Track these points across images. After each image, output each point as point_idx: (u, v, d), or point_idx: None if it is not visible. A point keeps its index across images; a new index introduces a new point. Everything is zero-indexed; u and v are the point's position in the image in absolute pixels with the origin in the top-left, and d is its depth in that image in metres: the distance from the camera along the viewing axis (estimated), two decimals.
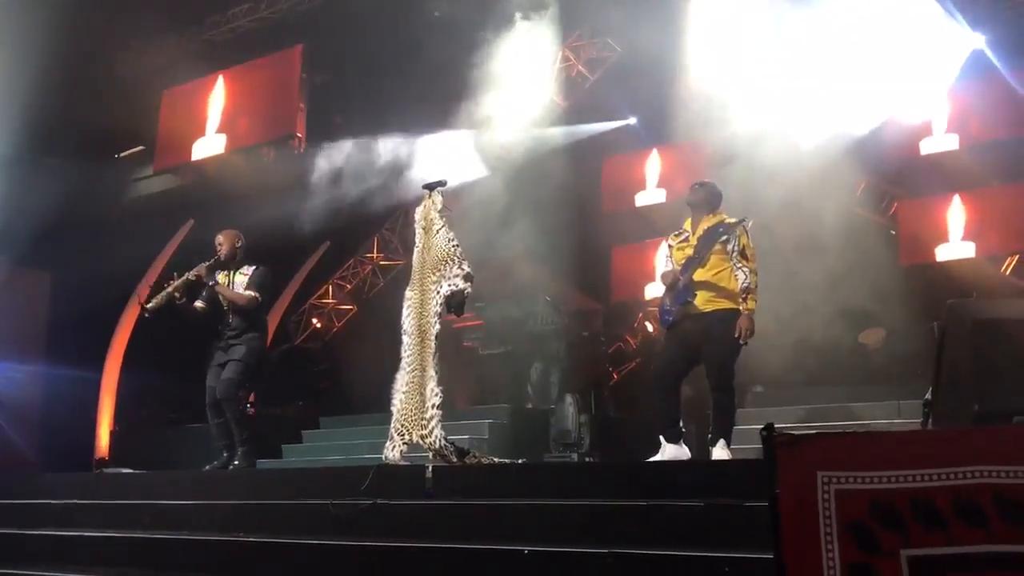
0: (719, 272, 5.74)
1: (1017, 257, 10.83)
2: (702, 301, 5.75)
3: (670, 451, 5.74)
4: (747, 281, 5.63)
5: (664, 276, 6.07)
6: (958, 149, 10.63)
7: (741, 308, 5.63)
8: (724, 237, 5.73)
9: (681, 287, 5.82)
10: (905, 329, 9.36)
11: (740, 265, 5.68)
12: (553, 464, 7.97)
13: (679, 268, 5.92)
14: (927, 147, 10.79)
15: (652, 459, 5.74)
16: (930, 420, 4.19)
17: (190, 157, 11.91)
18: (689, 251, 5.87)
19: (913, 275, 10.60)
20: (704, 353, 5.76)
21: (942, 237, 10.83)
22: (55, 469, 9.71)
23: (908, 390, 7.88)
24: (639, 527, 4.38)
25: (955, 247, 10.74)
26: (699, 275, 5.74)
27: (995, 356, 3.74)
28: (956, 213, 10.77)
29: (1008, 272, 10.84)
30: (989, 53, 9.82)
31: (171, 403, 11.51)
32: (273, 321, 13.33)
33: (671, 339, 5.96)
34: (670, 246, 6.11)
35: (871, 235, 10.48)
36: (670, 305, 5.94)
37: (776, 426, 2.06)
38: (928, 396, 4.24)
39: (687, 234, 5.98)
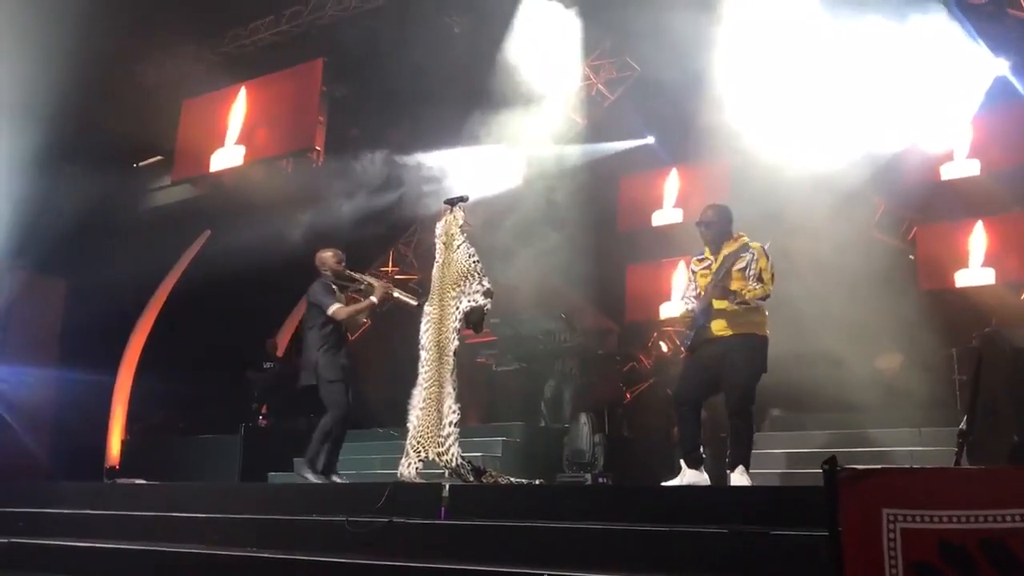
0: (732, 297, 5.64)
1: None
2: (719, 326, 5.65)
3: (690, 476, 5.62)
4: (753, 293, 5.54)
5: (683, 316, 5.98)
6: (979, 175, 10.51)
7: (734, 300, 5.54)
8: (743, 263, 5.63)
9: (699, 311, 5.72)
10: (922, 354, 9.23)
11: (754, 286, 5.59)
12: (572, 485, 7.85)
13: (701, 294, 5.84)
14: (948, 172, 10.68)
15: (669, 483, 5.62)
16: (964, 450, 4.06)
17: (208, 168, 11.87)
18: (709, 277, 5.77)
19: (931, 300, 10.46)
20: (723, 378, 5.65)
21: (961, 263, 10.70)
22: (66, 476, 9.64)
23: (927, 416, 7.75)
24: (662, 553, 4.27)
25: (975, 273, 10.60)
26: (718, 302, 5.63)
27: None
28: (976, 239, 10.64)
29: None
30: (1012, 79, 9.73)
31: (184, 413, 11.43)
32: (287, 333, 13.28)
33: (691, 363, 5.86)
34: (693, 272, 6.00)
35: (889, 259, 10.36)
36: (689, 328, 5.85)
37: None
38: (963, 426, 4.12)
39: (710, 261, 5.88)
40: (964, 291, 10.64)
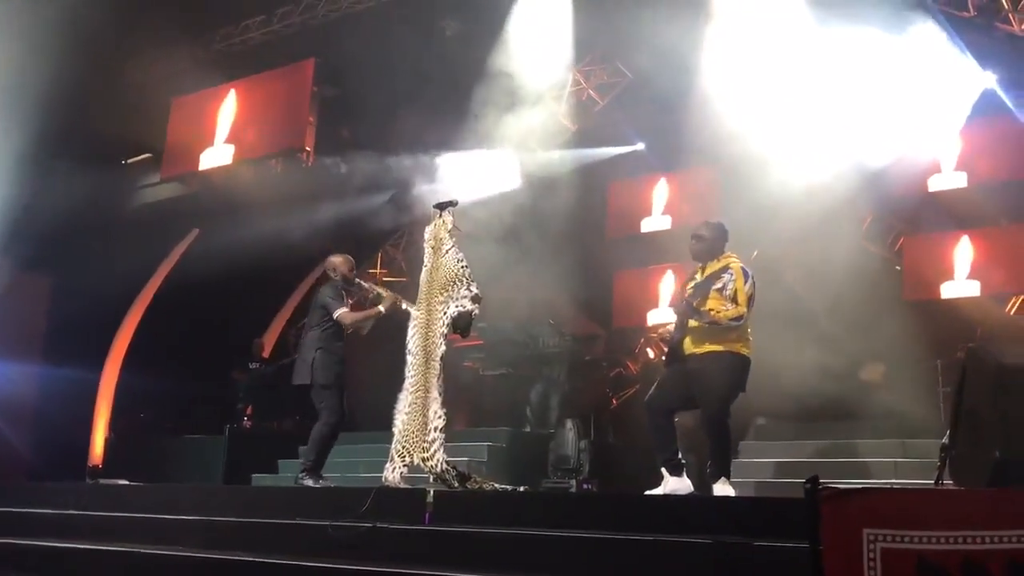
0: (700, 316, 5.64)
1: (1022, 298, 10.74)
2: (689, 343, 5.64)
3: (672, 483, 5.61)
4: (724, 315, 5.52)
5: (662, 332, 6.09)
6: (966, 187, 10.57)
7: (703, 320, 5.56)
8: (721, 283, 5.63)
9: (675, 328, 5.74)
10: (907, 365, 9.27)
11: (728, 306, 5.57)
12: (557, 492, 7.86)
13: None
14: (935, 184, 10.72)
15: (653, 492, 5.61)
16: (947, 464, 4.08)
17: (197, 166, 11.83)
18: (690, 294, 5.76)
19: (916, 311, 10.49)
20: (695, 395, 5.64)
21: (947, 274, 10.74)
22: (48, 474, 9.59)
23: (911, 428, 7.79)
24: (645, 561, 4.28)
25: (960, 285, 10.64)
26: (691, 321, 5.63)
27: (1018, 403, 3.65)
28: (962, 251, 10.68)
29: (1012, 312, 10.75)
30: (1000, 92, 9.79)
31: (169, 412, 11.39)
32: (273, 334, 13.25)
33: (664, 376, 5.87)
34: (685, 288, 5.94)
35: (876, 269, 10.40)
36: (666, 344, 5.95)
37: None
38: (945, 440, 4.14)
39: (695, 280, 5.86)
40: (949, 303, 10.68)
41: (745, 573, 3.92)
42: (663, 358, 6.07)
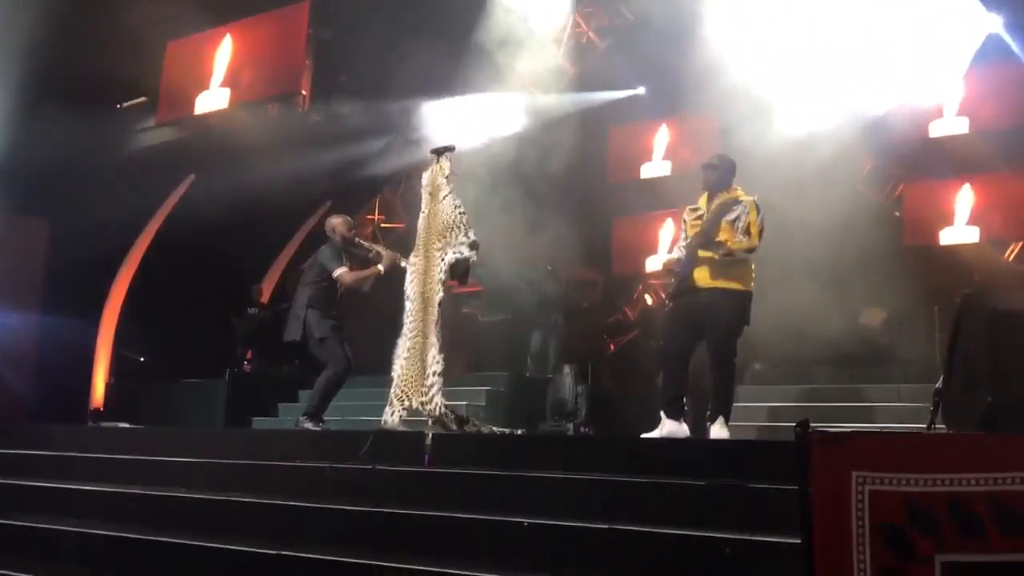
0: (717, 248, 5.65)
1: (1021, 244, 10.75)
2: (702, 277, 5.66)
3: (669, 427, 5.67)
4: (739, 246, 5.56)
5: (667, 263, 6.07)
6: (968, 133, 10.50)
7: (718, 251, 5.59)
8: (733, 215, 5.64)
9: (685, 260, 5.74)
10: (905, 311, 9.32)
11: (741, 238, 5.61)
12: (554, 435, 7.95)
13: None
14: (936, 130, 10.66)
15: (649, 435, 5.68)
16: (940, 410, 4.13)
17: (193, 110, 11.71)
18: (699, 227, 5.78)
19: (915, 257, 10.52)
20: (706, 329, 5.68)
21: (947, 220, 10.74)
22: (50, 418, 9.67)
23: (908, 373, 7.86)
24: (639, 503, 4.35)
25: (959, 231, 10.65)
26: (704, 251, 5.65)
27: (1011, 348, 3.68)
28: (963, 197, 10.66)
29: (1011, 258, 10.77)
30: (1006, 36, 9.67)
31: (168, 357, 11.46)
32: (272, 279, 13.27)
33: (674, 314, 5.90)
34: (685, 221, 6.01)
35: (875, 215, 10.38)
36: (673, 277, 5.91)
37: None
38: (939, 385, 4.18)
39: (701, 211, 5.87)
40: (948, 249, 10.70)
41: (738, 515, 3.98)
42: (666, 298, 6.10)
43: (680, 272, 5.76)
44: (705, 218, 5.78)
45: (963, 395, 3.94)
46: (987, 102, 10.39)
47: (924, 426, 4.40)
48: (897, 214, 11.26)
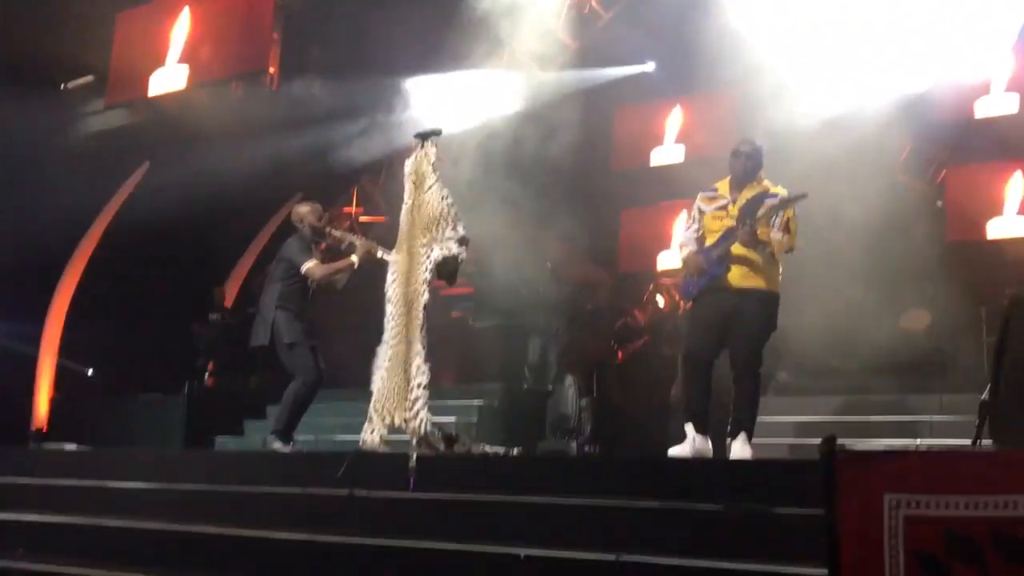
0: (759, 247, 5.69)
1: None
2: (736, 276, 5.69)
3: (699, 443, 5.68)
4: (780, 245, 5.63)
5: (688, 260, 5.96)
6: (1018, 112, 10.53)
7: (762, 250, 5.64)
8: (767, 210, 5.66)
9: (715, 258, 5.73)
10: (949, 313, 9.34)
11: (779, 236, 5.65)
12: (554, 455, 7.96)
13: (713, 240, 5.81)
14: (983, 109, 10.69)
15: (677, 452, 5.66)
16: (986, 423, 4.15)
17: (147, 91, 11.71)
18: (729, 222, 5.76)
19: (960, 252, 10.56)
20: (733, 333, 5.69)
21: (995, 211, 10.77)
22: None
23: (951, 382, 7.88)
24: (651, 531, 4.36)
25: (1009, 223, 10.68)
26: (737, 248, 5.67)
27: None
28: (1014, 184, 10.69)
29: None
30: None
31: (120, 369, 11.45)
32: (237, 281, 13.27)
33: (698, 316, 5.89)
34: (702, 211, 5.97)
35: (915, 206, 10.39)
36: (698, 277, 5.85)
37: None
38: (985, 396, 4.19)
39: (725, 201, 5.85)
40: (997, 243, 10.73)
41: (762, 543, 3.99)
42: (681, 300, 6.10)
43: (711, 272, 5.75)
44: (731, 210, 5.76)
45: (1013, 407, 3.96)
46: None
47: (968, 442, 4.42)
48: (939, 204, 11.28)
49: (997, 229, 10.74)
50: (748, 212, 5.70)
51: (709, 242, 5.86)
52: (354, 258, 6.70)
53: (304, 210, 7.01)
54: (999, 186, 10.80)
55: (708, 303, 5.79)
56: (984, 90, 10.62)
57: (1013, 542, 1.75)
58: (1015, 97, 10.53)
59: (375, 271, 6.39)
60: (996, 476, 1.79)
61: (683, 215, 12.14)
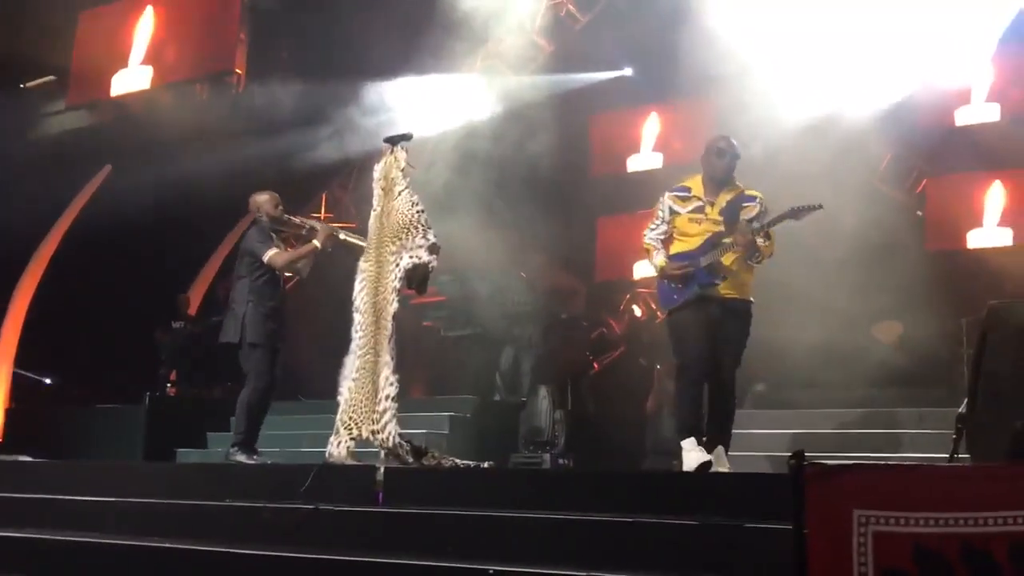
0: (739, 256, 5.64)
1: None
2: (726, 287, 5.66)
3: (704, 456, 5.62)
4: (766, 250, 5.58)
5: (668, 267, 5.72)
6: (999, 121, 10.66)
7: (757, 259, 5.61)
8: (750, 215, 5.64)
9: (705, 267, 5.62)
10: (928, 325, 9.41)
11: (763, 242, 5.61)
12: (525, 469, 7.95)
13: (691, 245, 5.71)
14: (963, 117, 10.82)
15: (691, 465, 5.59)
16: (963, 437, 4.19)
17: (109, 92, 11.67)
18: (710, 225, 5.66)
19: (939, 263, 10.66)
20: (720, 345, 5.63)
21: (975, 221, 10.89)
22: None
23: (930, 395, 7.93)
24: (623, 546, 4.37)
25: (989, 233, 10.81)
26: (727, 258, 5.64)
27: None
28: (993, 194, 10.82)
29: None
30: None
31: (79, 378, 11.36)
32: (201, 288, 13.19)
33: (690, 328, 5.65)
34: (674, 212, 5.78)
35: (894, 215, 10.49)
36: (684, 286, 5.68)
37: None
38: (962, 409, 4.24)
39: (701, 203, 5.72)
40: (976, 253, 10.84)
41: (735, 558, 4.01)
42: (664, 308, 5.90)
43: (702, 281, 5.63)
44: (715, 213, 5.66)
45: (990, 420, 4.00)
46: (1019, 86, 10.58)
47: (946, 456, 4.47)
48: (919, 213, 11.40)
49: (977, 239, 10.86)
50: (731, 216, 5.63)
51: (685, 247, 5.73)
52: (316, 242, 6.69)
53: (262, 199, 6.96)
54: (979, 196, 10.93)
55: (697, 313, 5.63)
56: (965, 99, 10.75)
57: (982, 558, 1.77)
58: (996, 107, 10.66)
59: (345, 281, 6.36)
60: (966, 491, 1.82)
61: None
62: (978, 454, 4.10)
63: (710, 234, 5.67)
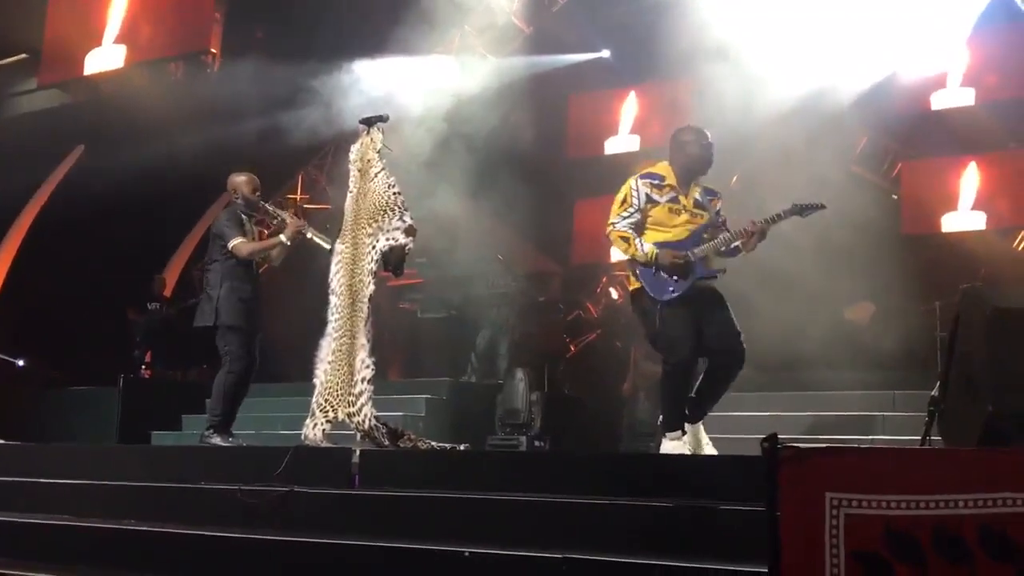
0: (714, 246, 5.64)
1: None
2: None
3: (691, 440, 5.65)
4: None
5: (665, 257, 5.51)
6: (973, 105, 10.72)
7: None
8: (718, 207, 5.67)
9: (699, 259, 5.54)
10: (903, 307, 9.47)
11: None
12: (501, 451, 7.97)
13: (684, 237, 5.59)
14: (939, 101, 10.87)
15: (674, 448, 5.60)
16: (936, 420, 4.23)
17: (82, 70, 11.57)
18: (688, 217, 5.60)
19: (915, 246, 10.73)
20: (716, 326, 5.56)
21: (950, 205, 10.96)
22: None
23: (904, 378, 7.99)
24: (599, 528, 4.38)
25: (964, 217, 10.89)
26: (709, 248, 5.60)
27: (1016, 351, 3.77)
28: (968, 178, 10.89)
29: (1021, 248, 11.02)
30: None
31: (52, 360, 11.28)
32: (176, 268, 13.12)
33: (682, 322, 5.52)
34: (651, 200, 5.61)
35: (869, 199, 10.52)
36: (681, 278, 5.54)
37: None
38: (935, 392, 4.27)
39: (675, 194, 5.63)
40: (951, 236, 10.92)
41: (709, 539, 4.03)
42: (658, 299, 5.71)
43: (701, 274, 5.55)
44: (684, 203, 5.62)
45: (962, 404, 4.04)
46: (994, 71, 10.63)
47: (919, 438, 4.50)
48: (894, 197, 11.45)
49: (952, 223, 10.93)
50: (703, 207, 5.62)
51: (664, 237, 5.59)
52: (283, 237, 6.65)
53: (240, 180, 6.87)
54: (954, 180, 11.00)
55: (688, 305, 5.53)
56: (940, 83, 10.80)
57: (953, 541, 1.79)
58: (970, 91, 10.72)
59: (322, 264, 6.33)
60: (937, 475, 1.83)
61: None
62: (950, 437, 4.13)
63: (694, 226, 5.60)
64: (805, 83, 9.42)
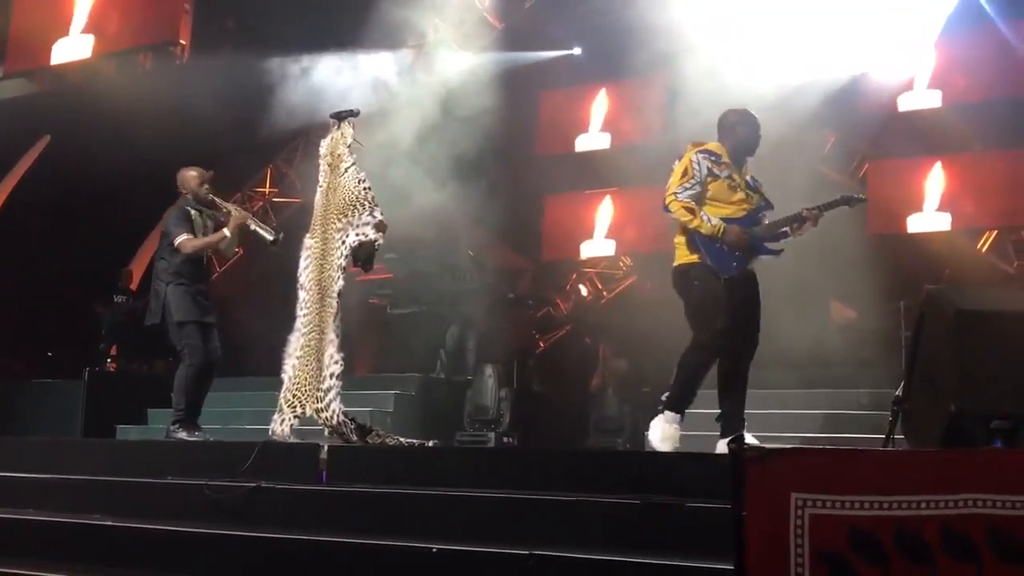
0: None
1: (996, 233, 11.12)
2: None
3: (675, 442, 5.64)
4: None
5: (731, 232, 5.36)
6: (940, 107, 10.83)
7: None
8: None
9: (761, 238, 5.53)
10: (868, 308, 9.57)
11: None
12: (469, 447, 7.98)
13: (742, 215, 5.48)
14: (906, 103, 10.97)
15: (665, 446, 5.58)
16: (899, 420, 4.28)
17: (49, 60, 11.45)
18: (742, 195, 5.52)
19: (880, 246, 10.79)
20: (745, 315, 5.52)
21: (915, 205, 11.06)
22: None
23: (869, 377, 8.07)
24: (566, 524, 4.40)
25: (929, 218, 10.99)
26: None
27: (978, 352, 3.82)
28: (934, 179, 10.99)
29: (985, 249, 11.14)
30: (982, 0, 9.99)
31: (17, 353, 11.19)
32: (143, 261, 13.01)
33: (736, 298, 5.42)
34: (713, 175, 5.44)
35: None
36: (743, 254, 5.46)
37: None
38: (899, 392, 4.32)
39: (730, 172, 5.51)
40: (917, 237, 11.02)
41: (676, 537, 4.06)
42: (722, 274, 5.54)
43: (763, 251, 5.56)
44: (738, 182, 5.54)
45: (925, 404, 4.09)
46: (961, 73, 10.72)
47: (883, 438, 4.55)
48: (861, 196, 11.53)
49: (917, 223, 11.04)
50: (755, 189, 5.60)
51: (722, 213, 5.43)
52: (226, 230, 6.62)
53: (189, 175, 6.82)
54: (919, 180, 11.09)
55: (740, 285, 5.46)
56: (908, 85, 10.89)
57: (915, 541, 1.82)
58: (937, 93, 10.82)
59: (291, 259, 6.31)
60: (901, 476, 1.87)
61: (607, 202, 12.26)
62: (913, 437, 4.19)
63: (749, 206, 5.55)
64: (774, 83, 9.47)
